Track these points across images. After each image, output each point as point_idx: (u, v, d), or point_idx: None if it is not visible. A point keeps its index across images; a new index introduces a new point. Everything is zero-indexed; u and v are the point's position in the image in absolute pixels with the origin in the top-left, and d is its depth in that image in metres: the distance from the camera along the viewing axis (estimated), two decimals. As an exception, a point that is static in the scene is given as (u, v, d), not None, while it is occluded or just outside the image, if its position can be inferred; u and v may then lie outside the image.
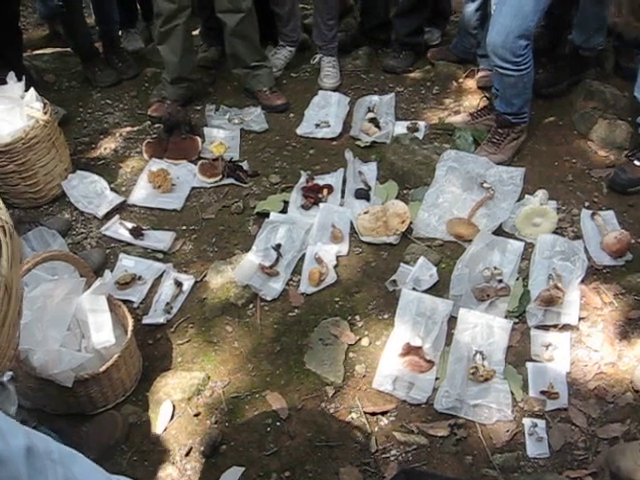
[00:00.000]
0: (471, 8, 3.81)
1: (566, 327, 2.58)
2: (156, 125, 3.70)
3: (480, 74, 3.89)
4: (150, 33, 4.49)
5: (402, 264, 2.81)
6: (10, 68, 3.23)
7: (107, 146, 3.63)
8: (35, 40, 4.62)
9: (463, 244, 2.91)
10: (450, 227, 2.97)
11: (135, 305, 2.73)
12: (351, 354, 2.53)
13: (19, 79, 3.16)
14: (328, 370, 2.45)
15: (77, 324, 2.31)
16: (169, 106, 3.69)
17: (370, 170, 3.31)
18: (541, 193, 3.08)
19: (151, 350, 2.59)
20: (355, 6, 4.62)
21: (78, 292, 2.31)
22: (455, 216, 3.03)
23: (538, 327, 2.58)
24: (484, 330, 2.53)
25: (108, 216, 3.14)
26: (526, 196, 3.10)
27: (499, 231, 2.96)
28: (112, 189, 3.28)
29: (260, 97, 3.81)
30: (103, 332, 2.27)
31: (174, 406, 2.37)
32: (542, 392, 2.36)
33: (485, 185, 3.12)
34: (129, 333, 2.35)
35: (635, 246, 2.89)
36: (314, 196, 3.13)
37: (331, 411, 2.35)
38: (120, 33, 4.37)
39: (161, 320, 2.66)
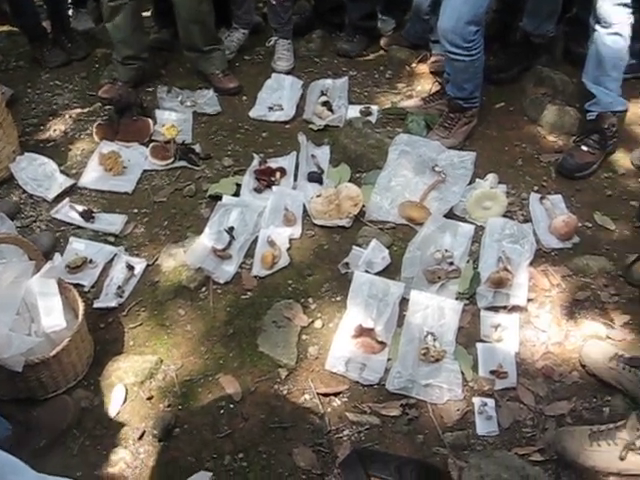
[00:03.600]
0: (423, -6, 3.82)
1: (515, 308, 2.62)
2: (107, 107, 3.64)
3: (432, 59, 3.91)
4: (100, 13, 4.41)
5: (354, 247, 2.83)
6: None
7: (57, 128, 3.57)
8: (-20, 19, 4.50)
9: (415, 227, 2.94)
10: (402, 210, 3.00)
11: (86, 289, 2.70)
12: (304, 336, 2.54)
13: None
14: (281, 352, 2.46)
15: (26, 308, 2.28)
16: (120, 87, 3.65)
17: (323, 153, 3.32)
18: (491, 177, 3.12)
19: (103, 334, 2.56)
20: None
21: (27, 275, 2.28)
22: (407, 199, 3.05)
23: (488, 308, 2.63)
24: (435, 312, 2.56)
25: (58, 199, 3.09)
26: (477, 180, 3.14)
27: (450, 214, 2.99)
28: (62, 171, 3.23)
29: (213, 80, 3.78)
30: (53, 316, 2.24)
31: (126, 390, 2.36)
32: (491, 372, 2.40)
33: (437, 169, 3.15)
34: (80, 317, 2.32)
35: (582, 229, 2.96)
36: (267, 179, 3.12)
37: (284, 393, 2.36)
38: (70, 12, 4.29)
39: (113, 304, 2.64)
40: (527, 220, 3.00)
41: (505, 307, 2.63)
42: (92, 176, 3.23)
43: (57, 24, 4.09)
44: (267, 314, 2.59)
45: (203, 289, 2.72)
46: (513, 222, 2.94)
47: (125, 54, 3.66)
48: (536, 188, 3.18)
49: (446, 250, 2.79)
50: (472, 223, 2.96)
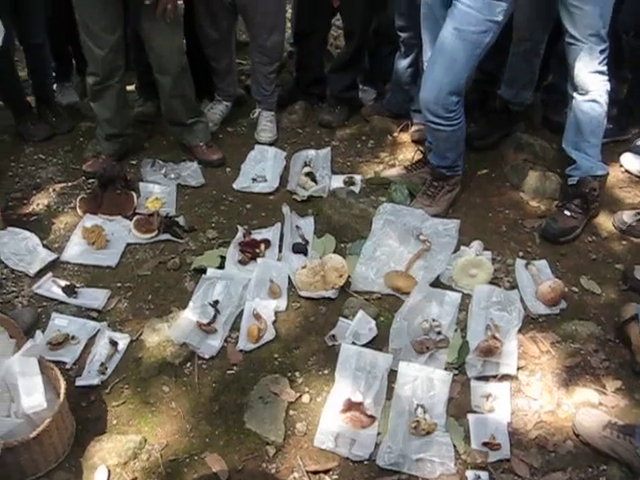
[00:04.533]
0: (403, 64, 3.89)
1: (505, 377, 2.59)
2: (90, 180, 3.64)
3: (414, 128, 3.96)
4: (85, 87, 4.45)
5: (341, 318, 2.81)
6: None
7: (40, 202, 3.55)
8: (-34, 96, 4.53)
9: (401, 297, 2.92)
10: (388, 280, 2.98)
11: (68, 366, 2.64)
12: (292, 412, 2.48)
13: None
14: (268, 429, 2.40)
15: (6, 388, 2.23)
16: (104, 161, 3.65)
17: (307, 224, 3.32)
18: (476, 244, 3.13)
19: (85, 413, 2.49)
20: (290, 61, 4.69)
21: (7, 354, 2.26)
22: (392, 269, 3.04)
23: (478, 378, 2.59)
24: (424, 383, 2.52)
25: (40, 274, 3.05)
26: (462, 247, 3.14)
27: (436, 283, 2.98)
28: (45, 246, 3.20)
29: (196, 152, 3.81)
30: (34, 396, 2.19)
31: (109, 471, 2.28)
32: (484, 443, 2.36)
33: (421, 237, 3.15)
34: (61, 396, 2.26)
35: (569, 294, 2.96)
36: (251, 251, 3.11)
37: (272, 471, 2.29)
38: (54, 87, 4.33)
39: (95, 381, 2.58)
40: (514, 286, 3.00)
41: (495, 376, 2.60)
42: (75, 250, 3.20)
43: (42, 99, 4.13)
44: (253, 389, 2.53)
45: (188, 364, 2.66)
46: (500, 289, 2.93)
47: (110, 132, 3.68)
48: (521, 254, 3.18)
49: (433, 319, 2.78)
50: (459, 291, 2.94)
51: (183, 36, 3.52)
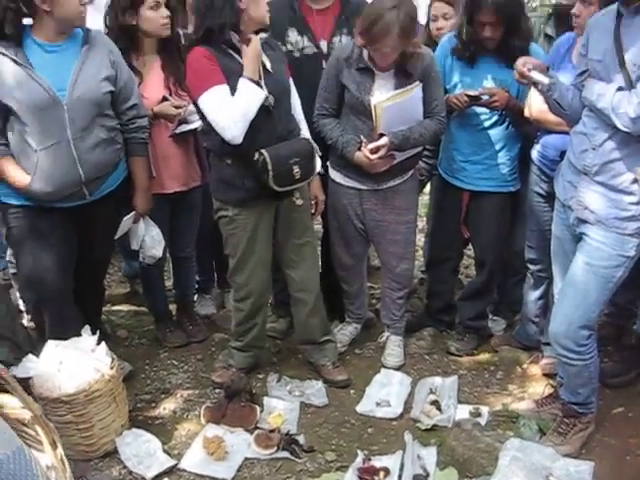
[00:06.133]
0: (533, 297, 3.88)
1: None
2: (217, 390, 3.72)
3: (545, 361, 3.85)
4: (223, 300, 4.70)
5: None
6: (87, 322, 3.40)
7: (166, 406, 3.64)
8: (115, 296, 4.85)
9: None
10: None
11: None
12: None
13: (93, 333, 3.31)
14: None
15: None
16: (233, 373, 3.74)
17: (429, 455, 3.19)
18: (613, 490, 2.91)
19: None
20: (421, 288, 4.78)
21: None
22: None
23: None
24: None
25: (157, 478, 3.07)
26: (597, 494, 2.92)
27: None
28: (165, 451, 3.24)
29: (323, 371, 3.84)
30: None
31: None
32: None
33: (551, 479, 2.96)
34: None
35: None
36: (370, 478, 3.00)
37: None
38: (195, 297, 4.58)
39: None
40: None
41: None
42: (194, 459, 3.21)
43: (182, 307, 4.37)
44: None
45: None
46: None
47: (246, 344, 3.79)
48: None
49: None
50: None
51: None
